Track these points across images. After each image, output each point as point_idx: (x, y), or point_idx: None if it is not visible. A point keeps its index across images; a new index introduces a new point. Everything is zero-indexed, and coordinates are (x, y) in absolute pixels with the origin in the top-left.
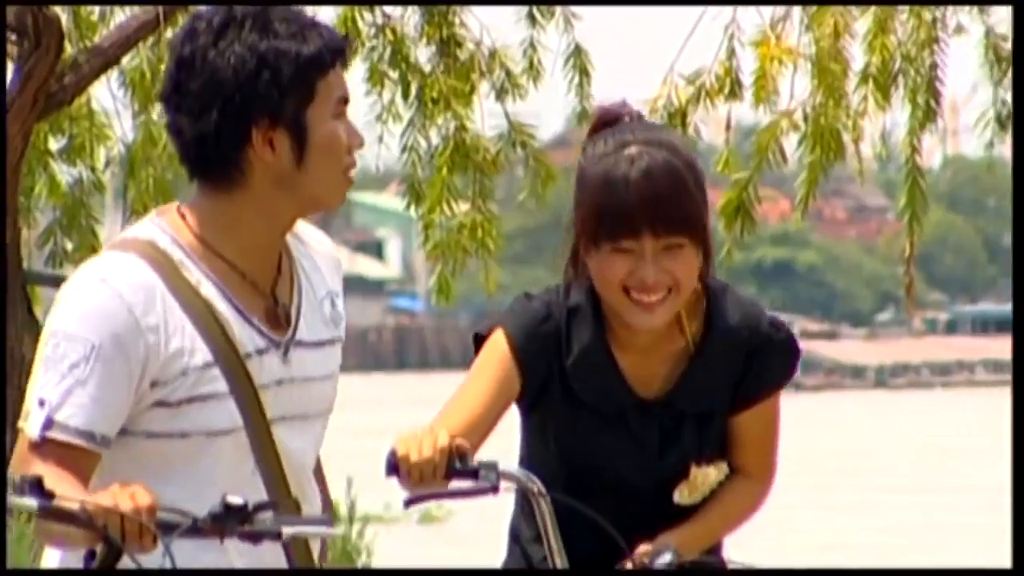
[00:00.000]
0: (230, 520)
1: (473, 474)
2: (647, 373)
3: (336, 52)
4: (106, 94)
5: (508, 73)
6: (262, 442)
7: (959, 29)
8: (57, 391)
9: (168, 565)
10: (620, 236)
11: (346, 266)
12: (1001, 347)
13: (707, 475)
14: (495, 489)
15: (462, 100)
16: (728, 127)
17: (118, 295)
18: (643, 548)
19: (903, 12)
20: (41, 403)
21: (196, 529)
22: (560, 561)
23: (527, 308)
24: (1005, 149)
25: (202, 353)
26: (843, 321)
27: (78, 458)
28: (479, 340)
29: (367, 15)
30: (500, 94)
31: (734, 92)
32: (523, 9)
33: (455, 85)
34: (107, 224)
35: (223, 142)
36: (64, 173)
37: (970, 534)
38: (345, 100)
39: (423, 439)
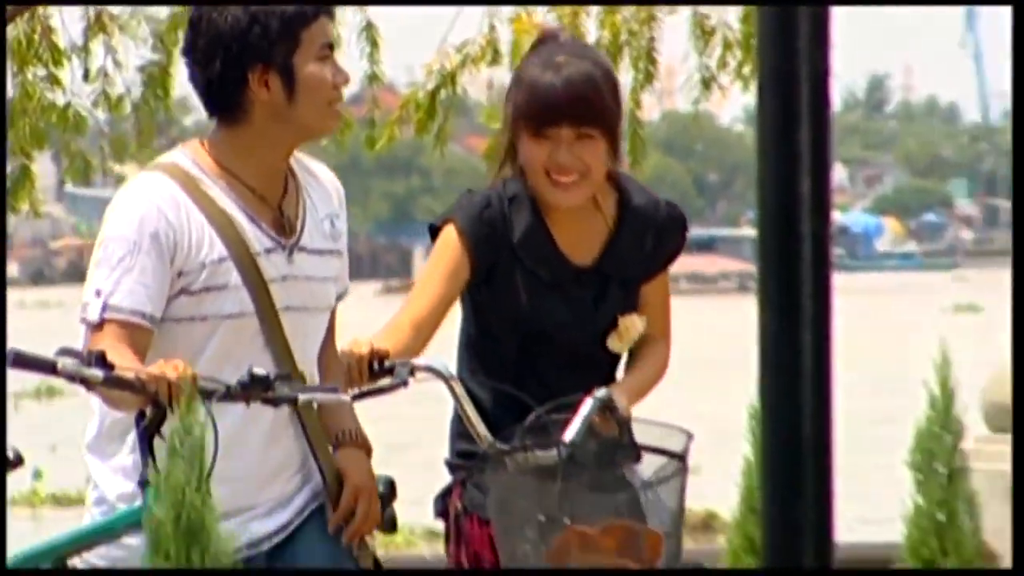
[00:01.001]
0: (255, 388)
1: (390, 371)
2: (578, 247)
3: (316, 9)
4: None
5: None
6: (271, 326)
7: (673, 11)
8: (109, 281)
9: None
10: (543, 125)
11: None
12: (701, 263)
13: (633, 322)
14: (405, 383)
15: None
16: (489, 87)
17: (151, 203)
18: (587, 398)
19: None
20: (97, 293)
21: (228, 395)
22: (481, 431)
23: (471, 200)
24: (709, 105)
25: (218, 249)
26: None
27: (133, 334)
28: (434, 231)
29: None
30: None
31: (495, 59)
32: None
33: None
34: None
35: (226, 85)
36: None
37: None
38: (330, 45)
39: (352, 349)
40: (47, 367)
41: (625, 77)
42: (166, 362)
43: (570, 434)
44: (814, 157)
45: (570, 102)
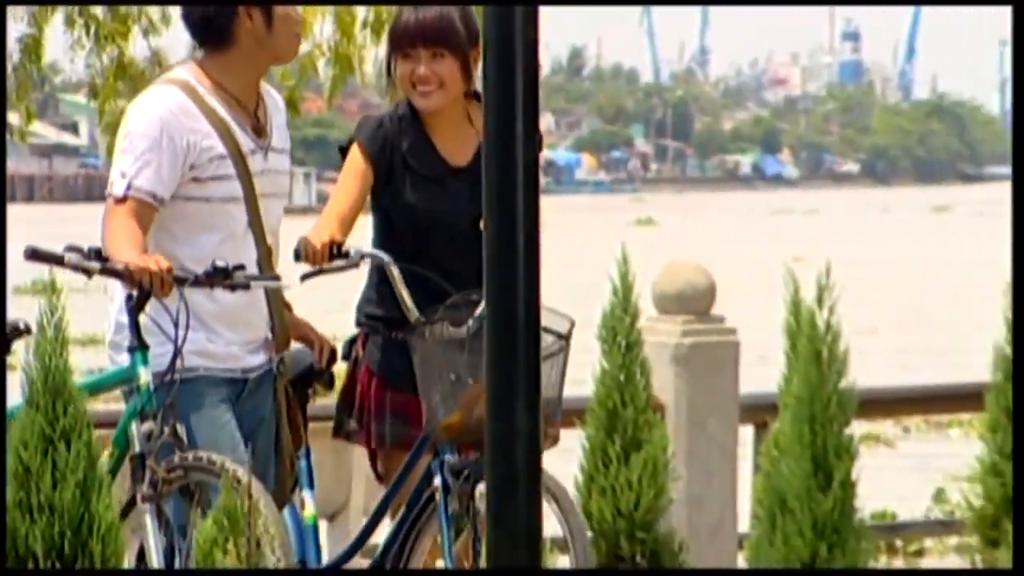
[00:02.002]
0: (218, 276)
1: (345, 255)
2: (455, 151)
3: None
4: None
5: (151, 21)
6: (253, 208)
7: None
8: (133, 167)
9: (182, 306)
10: (404, 47)
11: (54, 139)
12: None
13: None
14: (357, 265)
15: (122, 37)
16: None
17: (169, 109)
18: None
19: None
20: (123, 175)
21: (197, 281)
22: (410, 306)
23: (368, 121)
24: None
25: (219, 148)
26: None
27: (144, 211)
28: (343, 151)
29: None
30: (146, 33)
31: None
32: None
33: (118, 28)
34: None
35: (220, 18)
36: None
37: None
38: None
39: (313, 237)
40: (57, 260)
41: (385, 48)
42: (149, 256)
43: (472, 319)
44: (526, 107)
45: (421, 28)
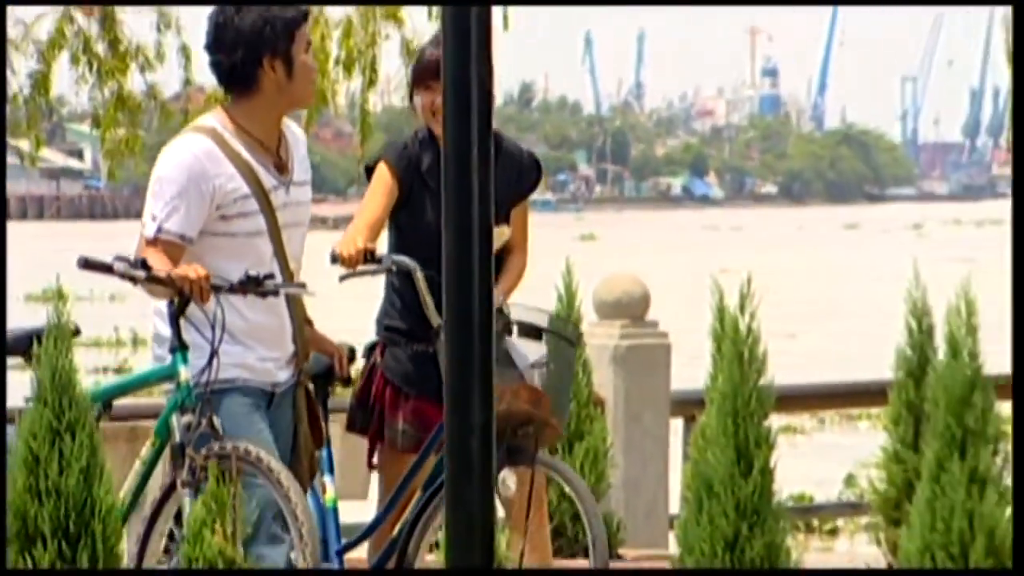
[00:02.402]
0: (250, 284)
1: (377, 260)
2: None
3: (303, 16)
4: None
5: (147, 58)
6: (276, 239)
7: (387, 37)
8: (163, 212)
9: (219, 311)
10: (427, 79)
11: (61, 163)
12: None
13: (503, 230)
14: (390, 270)
15: (121, 73)
16: None
17: (195, 155)
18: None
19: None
20: (153, 218)
21: (232, 289)
22: (433, 312)
23: (394, 144)
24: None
25: (243, 188)
26: (328, 192)
27: (173, 250)
28: (368, 170)
29: (69, 27)
30: (143, 70)
31: None
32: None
33: (118, 64)
34: None
35: (246, 68)
36: None
37: None
38: (309, 43)
39: (349, 243)
40: (107, 268)
41: (356, 82)
42: (188, 265)
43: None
44: (480, 135)
45: (440, 60)
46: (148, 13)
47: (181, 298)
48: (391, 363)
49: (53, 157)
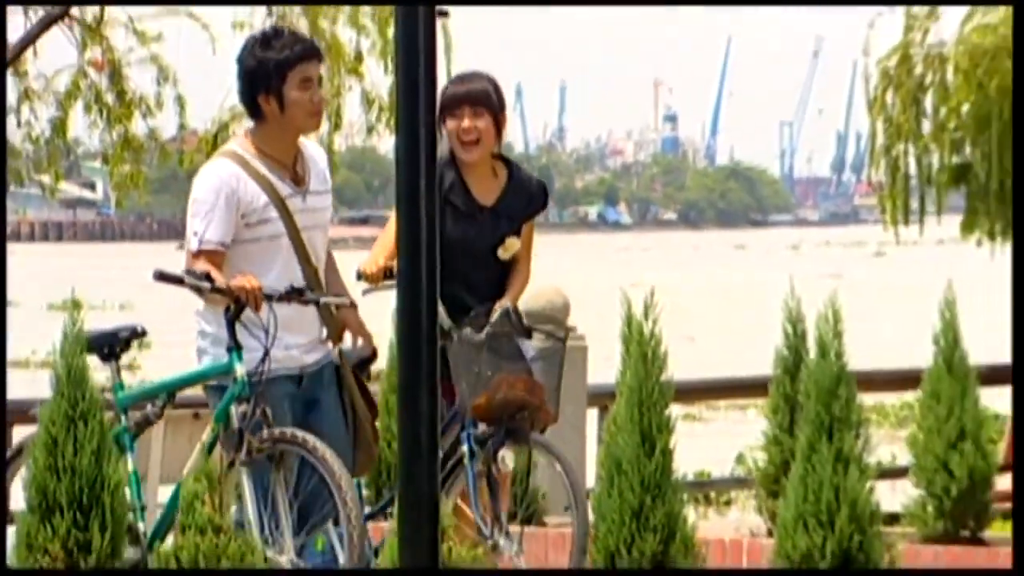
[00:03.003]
0: (295, 294)
1: (395, 277)
2: (483, 194)
3: (298, 57)
4: None
5: (148, 107)
6: (297, 241)
7: (350, 88)
8: (201, 226)
9: (271, 317)
10: (453, 108)
11: (77, 194)
12: (362, 231)
13: (513, 242)
14: None
15: (127, 119)
16: None
17: (220, 176)
18: (496, 305)
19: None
20: (195, 233)
21: (281, 297)
22: (444, 317)
23: None
24: (373, 142)
25: (263, 199)
26: None
27: (215, 256)
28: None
29: (83, 80)
30: (144, 116)
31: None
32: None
33: (124, 111)
34: None
35: (251, 102)
36: None
37: None
38: (309, 79)
39: (371, 262)
40: (179, 280)
41: (324, 126)
42: (244, 276)
43: (489, 326)
44: (427, 173)
45: (467, 92)
46: (150, 68)
47: (237, 305)
48: None
49: (70, 189)
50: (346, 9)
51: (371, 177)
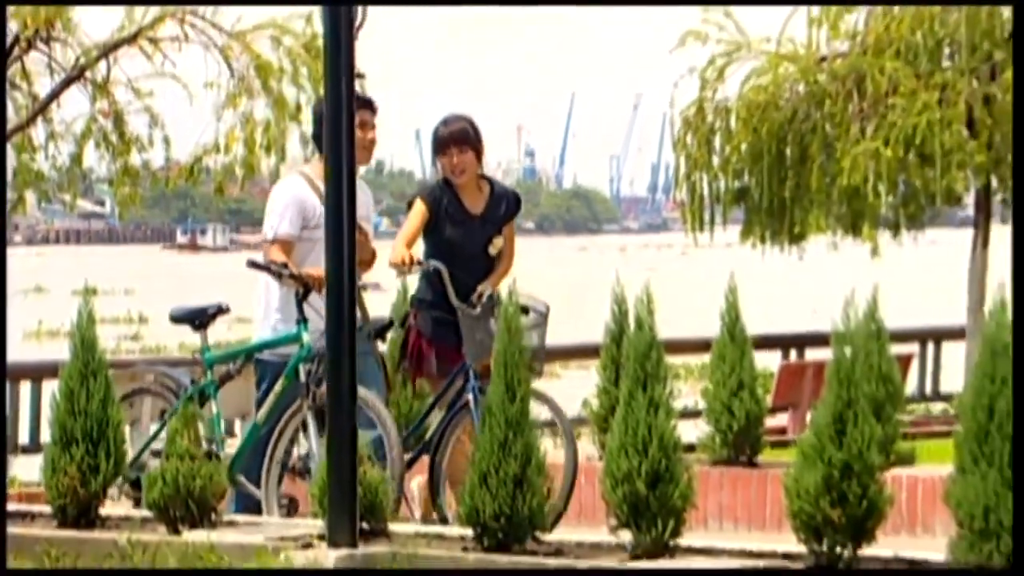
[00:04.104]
0: None
1: (420, 264)
2: (473, 205)
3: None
4: None
5: (142, 144)
6: None
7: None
8: (277, 223)
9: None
10: (445, 148)
11: (90, 209)
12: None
13: (498, 242)
14: (429, 270)
15: (127, 153)
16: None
17: (293, 190)
18: (479, 288)
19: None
20: (271, 228)
21: None
22: (453, 295)
23: (427, 186)
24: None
25: (319, 207)
26: (256, 226)
27: (286, 246)
28: (409, 203)
29: (94, 124)
30: (140, 151)
31: (225, 150)
32: None
33: (124, 147)
34: None
35: (322, 139)
36: None
37: None
38: (364, 122)
39: (398, 253)
40: (265, 268)
41: (273, 159)
42: (313, 268)
43: (480, 305)
44: (348, 190)
45: (453, 135)
46: (144, 115)
47: (305, 289)
48: (422, 324)
49: (84, 205)
50: (288, 69)
51: None
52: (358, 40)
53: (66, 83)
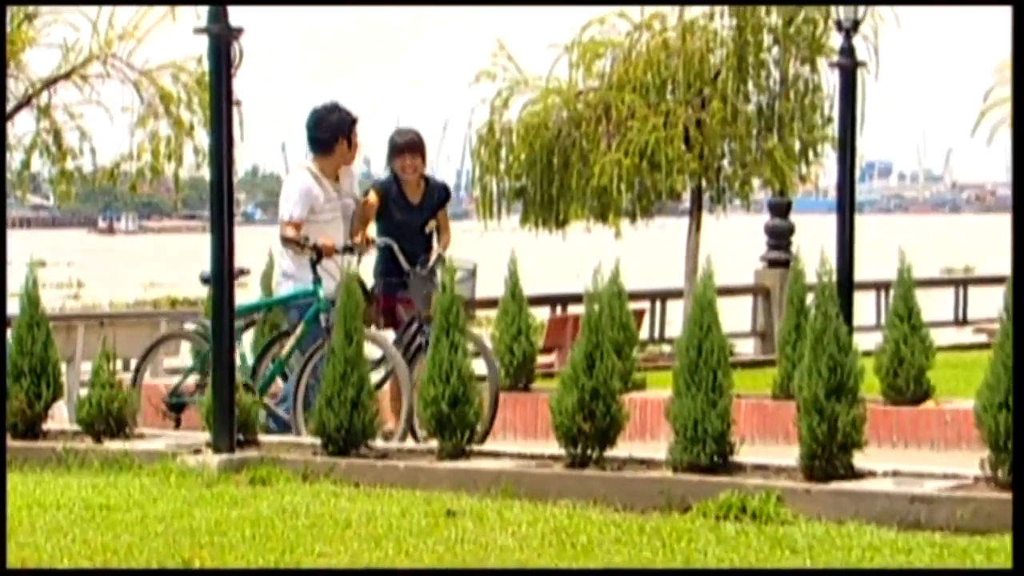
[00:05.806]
0: (347, 250)
1: (373, 243)
2: (413, 196)
3: (354, 121)
4: None
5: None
6: (338, 224)
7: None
8: (290, 208)
9: (342, 261)
10: (400, 153)
11: (38, 202)
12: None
13: (432, 223)
14: (381, 248)
15: (63, 161)
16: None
17: (300, 179)
18: (430, 256)
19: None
20: (288, 212)
21: (341, 251)
22: (404, 263)
23: (378, 181)
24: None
25: (322, 196)
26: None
27: (299, 226)
28: (365, 192)
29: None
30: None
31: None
32: None
33: (60, 156)
34: None
35: (329, 140)
36: None
37: None
38: (355, 134)
39: (356, 235)
40: (295, 242)
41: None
42: (326, 239)
43: (430, 265)
44: (227, 191)
45: (408, 143)
46: (77, 132)
47: (318, 256)
48: (386, 287)
49: (33, 199)
50: (184, 98)
51: (203, 193)
52: (235, 76)
53: (17, 108)
